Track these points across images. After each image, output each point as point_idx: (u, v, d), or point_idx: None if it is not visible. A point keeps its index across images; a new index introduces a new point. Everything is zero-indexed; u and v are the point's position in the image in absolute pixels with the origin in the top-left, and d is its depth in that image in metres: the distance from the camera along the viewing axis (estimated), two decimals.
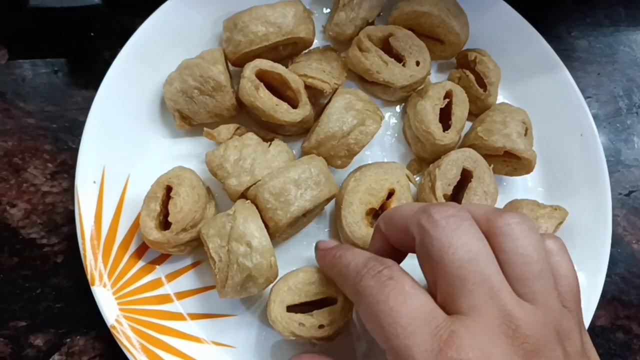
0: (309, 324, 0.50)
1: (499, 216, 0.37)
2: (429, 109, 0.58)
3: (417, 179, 0.61)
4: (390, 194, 0.57)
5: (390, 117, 0.63)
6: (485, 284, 0.34)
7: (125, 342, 0.50)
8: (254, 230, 0.50)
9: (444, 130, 0.58)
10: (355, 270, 0.40)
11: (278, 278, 0.52)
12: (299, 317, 0.50)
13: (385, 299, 0.35)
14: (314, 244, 0.57)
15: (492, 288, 0.34)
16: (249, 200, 0.53)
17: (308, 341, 0.51)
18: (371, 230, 0.54)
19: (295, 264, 0.56)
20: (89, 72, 0.62)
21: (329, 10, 0.65)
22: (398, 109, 0.64)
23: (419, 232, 0.38)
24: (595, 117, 0.62)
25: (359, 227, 0.55)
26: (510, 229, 0.36)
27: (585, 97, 0.63)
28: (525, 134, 0.58)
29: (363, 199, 0.56)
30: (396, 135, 0.63)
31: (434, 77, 0.64)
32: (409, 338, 0.33)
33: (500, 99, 0.63)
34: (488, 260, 0.35)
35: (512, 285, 0.35)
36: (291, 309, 0.51)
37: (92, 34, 0.64)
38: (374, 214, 0.57)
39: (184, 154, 0.59)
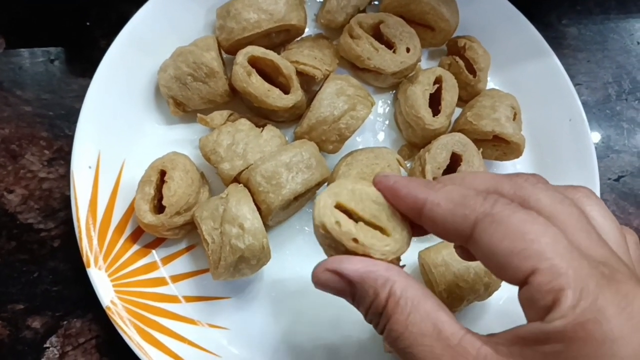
0: (346, 228, 0.36)
1: (571, 194, 0.35)
2: (419, 94, 0.59)
3: (408, 164, 0.62)
4: None
5: (382, 103, 0.64)
6: None
7: (121, 323, 0.51)
8: (246, 213, 0.51)
9: (434, 115, 0.59)
10: (486, 192, 0.33)
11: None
12: (342, 216, 0.37)
13: (533, 220, 0.31)
14: (306, 230, 0.59)
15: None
16: (241, 184, 0.54)
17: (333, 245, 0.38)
18: None
19: (288, 248, 0.58)
20: (85, 60, 0.63)
21: None
22: (389, 95, 0.65)
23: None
24: (584, 103, 0.63)
25: None
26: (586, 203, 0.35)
27: (575, 84, 0.64)
28: (514, 119, 0.59)
29: None
30: (387, 121, 0.64)
31: (424, 64, 0.65)
32: (574, 260, 0.29)
33: (490, 85, 0.64)
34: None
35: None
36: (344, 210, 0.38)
37: (88, 23, 0.65)
38: None
39: (178, 140, 0.60)
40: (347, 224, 0.36)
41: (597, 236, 0.33)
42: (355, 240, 0.36)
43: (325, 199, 0.37)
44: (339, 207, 0.38)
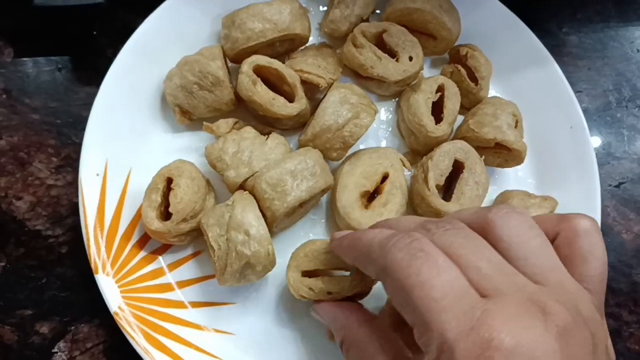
0: (318, 289, 0.51)
1: (488, 212, 0.38)
2: (421, 102, 0.59)
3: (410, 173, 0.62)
4: (385, 177, 0.58)
5: (385, 111, 0.65)
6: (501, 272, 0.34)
7: (128, 329, 0.52)
8: (252, 220, 0.52)
9: (436, 123, 0.59)
10: (381, 245, 0.37)
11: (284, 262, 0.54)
12: (310, 281, 0.51)
13: (417, 272, 0.33)
14: (311, 236, 0.59)
15: (507, 273, 0.34)
16: (247, 191, 0.55)
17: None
18: (365, 212, 0.56)
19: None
20: (91, 69, 0.64)
21: (324, 8, 0.67)
22: (392, 103, 0.65)
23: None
24: (585, 110, 0.64)
25: (353, 209, 0.56)
26: (499, 217, 0.37)
27: (576, 92, 0.64)
28: (516, 126, 0.60)
29: (358, 182, 0.57)
30: (390, 129, 0.64)
31: (427, 72, 0.66)
32: (441, 313, 0.31)
33: (491, 92, 0.65)
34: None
35: (519, 269, 0.35)
36: (307, 275, 0.52)
37: (94, 32, 0.66)
38: (369, 196, 0.59)
39: (184, 148, 0.60)
40: (317, 284, 0.51)
41: (497, 264, 0.35)
42: (329, 292, 0.51)
43: (293, 276, 0.52)
44: (304, 273, 0.52)
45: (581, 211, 0.59)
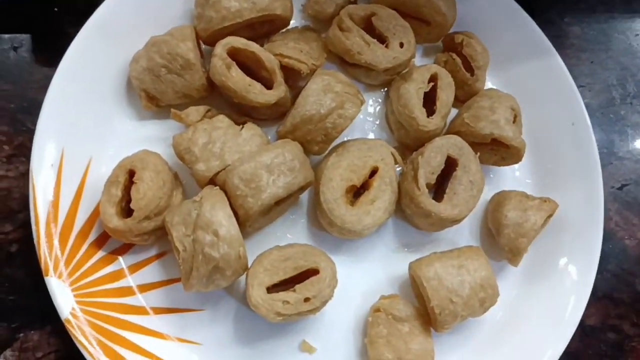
0: (294, 299, 0.47)
1: None
2: (412, 92, 0.55)
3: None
4: (374, 172, 0.53)
5: (373, 102, 0.60)
6: None
7: (81, 338, 0.47)
8: (222, 218, 0.47)
9: (428, 116, 0.55)
10: None
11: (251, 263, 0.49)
12: (282, 295, 0.47)
13: None
14: (289, 237, 0.55)
15: None
16: (217, 187, 0.49)
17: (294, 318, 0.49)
18: (351, 209, 0.51)
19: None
20: (51, 49, 0.59)
21: None
22: (381, 93, 0.60)
23: None
24: (587, 106, 0.60)
25: (337, 204, 0.52)
26: None
27: (578, 86, 0.60)
28: (514, 121, 0.55)
29: (344, 175, 0.52)
30: (378, 121, 0.59)
31: (419, 61, 0.61)
32: None
33: (488, 84, 0.61)
34: None
35: None
36: (272, 289, 0.48)
37: (55, 9, 0.60)
38: (355, 191, 0.54)
39: (150, 137, 0.55)
40: (291, 295, 0.47)
41: None
42: (306, 298, 0.47)
43: (259, 295, 0.46)
44: (269, 288, 0.47)
45: (582, 215, 0.56)
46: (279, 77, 0.53)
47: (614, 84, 0.67)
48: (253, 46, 0.52)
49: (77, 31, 0.54)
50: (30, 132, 0.55)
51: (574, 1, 0.69)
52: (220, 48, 0.52)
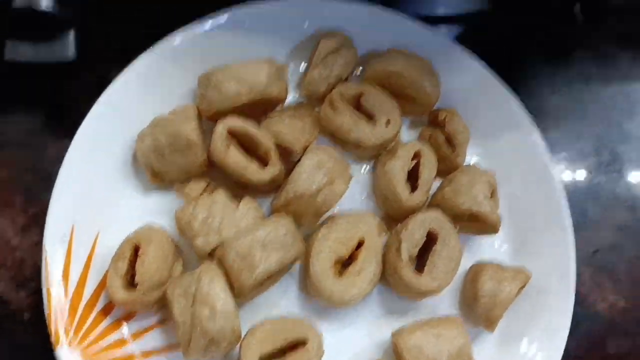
0: None
1: None
2: (397, 169, 0.58)
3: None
4: (360, 243, 0.57)
5: (363, 172, 0.64)
6: None
7: None
8: (219, 292, 0.51)
9: (412, 190, 0.59)
10: None
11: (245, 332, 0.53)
12: None
13: None
14: (282, 304, 0.58)
15: None
16: (214, 262, 0.53)
17: None
18: (339, 281, 0.55)
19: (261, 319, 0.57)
20: (64, 124, 0.63)
21: (306, 63, 0.66)
22: (370, 164, 0.64)
23: None
24: (563, 175, 0.63)
25: (325, 277, 0.55)
26: None
27: (554, 154, 0.63)
28: (491, 196, 0.59)
29: (333, 247, 0.56)
30: (366, 193, 0.63)
31: (406, 133, 0.65)
32: None
33: (470, 155, 0.64)
34: None
35: None
36: (264, 358, 0.51)
37: (68, 86, 0.64)
38: (343, 263, 0.58)
39: (155, 209, 0.59)
40: None
41: None
42: None
43: None
44: (263, 357, 0.51)
45: (555, 282, 0.60)
46: (274, 157, 0.57)
47: (590, 152, 0.70)
48: (250, 129, 0.56)
49: (89, 107, 0.58)
50: (44, 203, 0.59)
51: (552, 73, 0.73)
52: (221, 128, 0.56)
